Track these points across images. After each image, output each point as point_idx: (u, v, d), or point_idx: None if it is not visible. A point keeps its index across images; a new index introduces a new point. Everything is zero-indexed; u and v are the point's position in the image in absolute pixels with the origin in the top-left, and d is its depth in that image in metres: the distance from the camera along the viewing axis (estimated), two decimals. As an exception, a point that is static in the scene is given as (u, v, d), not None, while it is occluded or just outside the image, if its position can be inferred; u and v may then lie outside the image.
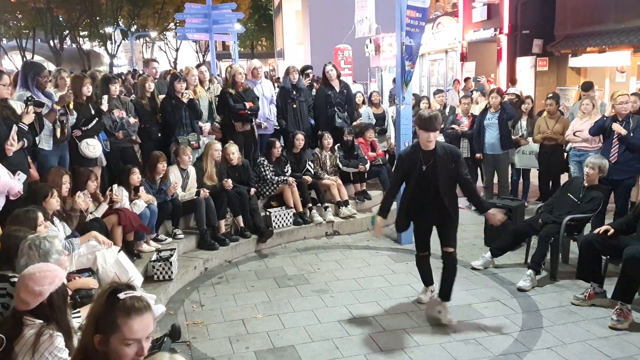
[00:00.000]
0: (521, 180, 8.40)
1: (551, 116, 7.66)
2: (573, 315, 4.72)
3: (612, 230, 4.81)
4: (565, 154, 7.60)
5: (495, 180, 8.02)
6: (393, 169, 5.22)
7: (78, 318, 3.27)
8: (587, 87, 8.13)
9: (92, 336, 1.95)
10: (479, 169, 8.34)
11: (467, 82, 13.09)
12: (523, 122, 8.09)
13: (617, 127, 6.12)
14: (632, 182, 6.33)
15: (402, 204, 4.82)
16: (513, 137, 7.92)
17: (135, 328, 1.92)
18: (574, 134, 7.02)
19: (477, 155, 7.87)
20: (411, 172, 4.53)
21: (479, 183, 8.38)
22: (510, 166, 8.14)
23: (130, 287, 2.05)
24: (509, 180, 8.09)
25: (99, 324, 1.94)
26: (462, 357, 4.08)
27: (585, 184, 5.58)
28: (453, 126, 8.08)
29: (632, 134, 6.05)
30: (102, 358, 1.96)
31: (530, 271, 5.34)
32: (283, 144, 7.58)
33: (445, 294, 4.67)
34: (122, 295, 1.96)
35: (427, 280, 5.00)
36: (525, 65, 16.03)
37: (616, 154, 6.14)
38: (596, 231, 4.94)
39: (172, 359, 1.83)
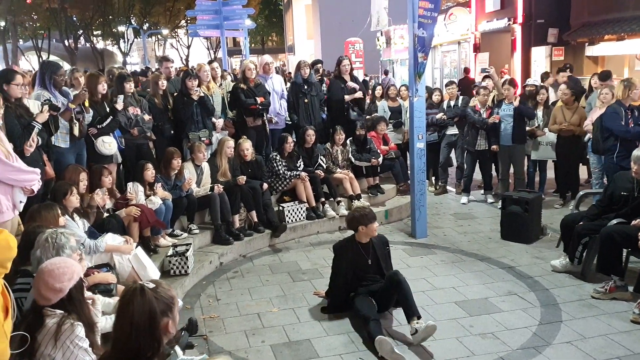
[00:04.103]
0: (537, 171, 8.29)
1: (567, 107, 7.55)
2: (593, 309, 4.65)
3: None
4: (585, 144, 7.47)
5: (512, 171, 7.94)
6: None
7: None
8: (605, 76, 7.97)
9: (159, 327, 2.06)
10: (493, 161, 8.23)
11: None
12: (539, 112, 7.98)
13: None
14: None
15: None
16: (528, 128, 7.83)
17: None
18: (592, 125, 6.91)
19: (493, 147, 7.78)
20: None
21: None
22: (526, 158, 8.06)
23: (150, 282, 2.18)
24: (525, 171, 8.00)
25: (159, 313, 2.06)
26: (479, 352, 4.05)
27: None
28: (490, 119, 7.71)
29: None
30: (159, 344, 2.08)
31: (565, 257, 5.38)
32: (295, 139, 7.57)
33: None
34: (150, 285, 2.11)
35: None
36: (540, 55, 15.84)
37: None
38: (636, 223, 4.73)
39: None
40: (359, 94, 7.92)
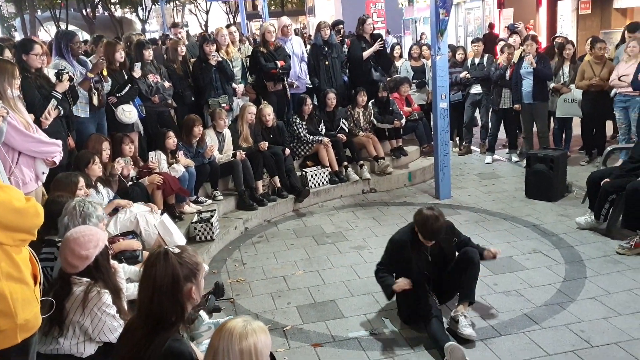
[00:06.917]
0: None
1: (596, 61, 7.29)
2: (618, 264, 4.61)
3: None
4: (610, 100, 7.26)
5: (535, 130, 7.79)
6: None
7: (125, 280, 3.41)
8: (634, 28, 7.65)
9: (182, 292, 2.09)
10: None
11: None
12: (565, 68, 7.74)
13: None
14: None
15: None
16: (554, 85, 7.63)
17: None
18: (619, 79, 6.70)
19: (515, 106, 7.62)
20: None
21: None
22: (552, 115, 7.88)
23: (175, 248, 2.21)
24: (550, 129, 7.83)
25: (182, 278, 2.09)
26: (503, 309, 4.06)
27: None
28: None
29: None
30: (182, 309, 2.12)
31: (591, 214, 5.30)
32: (316, 103, 7.51)
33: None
34: (175, 250, 2.15)
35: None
36: (566, 9, 15.30)
37: None
38: None
39: (246, 323, 1.89)
40: (375, 47, 7.61)
